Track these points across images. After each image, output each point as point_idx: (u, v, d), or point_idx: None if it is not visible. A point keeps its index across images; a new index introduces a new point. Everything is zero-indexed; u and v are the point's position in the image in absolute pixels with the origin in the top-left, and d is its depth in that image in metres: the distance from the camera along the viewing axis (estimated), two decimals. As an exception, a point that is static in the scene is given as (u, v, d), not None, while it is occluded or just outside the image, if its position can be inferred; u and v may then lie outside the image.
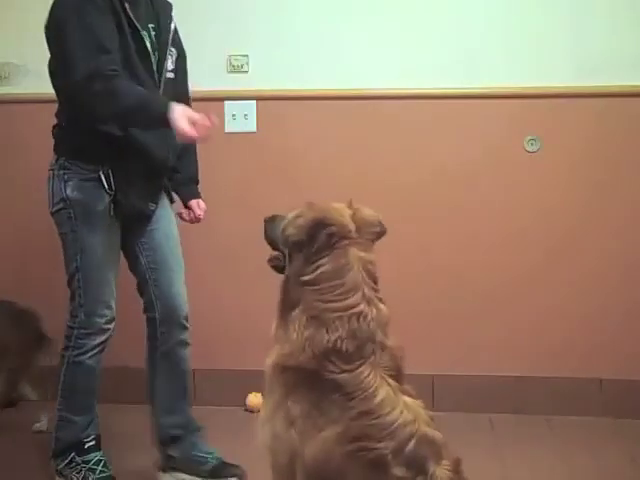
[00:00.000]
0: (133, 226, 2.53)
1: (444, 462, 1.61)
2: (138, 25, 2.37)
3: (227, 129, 3.29)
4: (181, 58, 2.60)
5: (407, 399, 1.68)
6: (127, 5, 2.34)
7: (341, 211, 1.77)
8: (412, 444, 1.60)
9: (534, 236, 3.23)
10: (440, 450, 1.62)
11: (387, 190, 3.24)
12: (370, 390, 1.64)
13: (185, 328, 2.58)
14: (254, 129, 3.30)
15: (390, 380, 1.68)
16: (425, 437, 1.62)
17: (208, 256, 3.28)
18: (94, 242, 2.44)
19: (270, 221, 1.91)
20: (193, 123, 2.17)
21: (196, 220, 2.71)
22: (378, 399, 1.63)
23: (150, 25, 2.44)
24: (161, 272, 2.55)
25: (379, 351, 1.69)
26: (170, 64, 2.51)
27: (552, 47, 3.16)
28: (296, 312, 1.72)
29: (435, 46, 3.21)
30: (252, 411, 3.24)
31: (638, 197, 3.19)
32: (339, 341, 1.66)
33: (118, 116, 2.29)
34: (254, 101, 3.28)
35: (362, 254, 1.74)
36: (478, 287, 3.26)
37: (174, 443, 2.58)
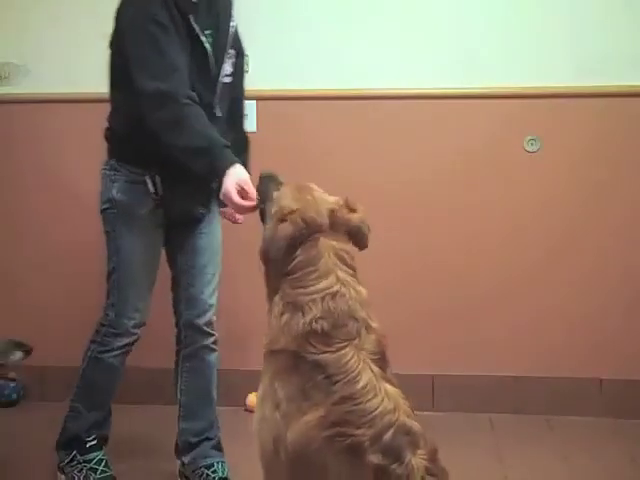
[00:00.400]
0: (181, 228, 2.51)
1: (420, 452, 1.61)
2: (200, 34, 2.31)
3: (227, 129, 3.29)
4: (240, 57, 2.52)
5: (389, 387, 1.68)
6: (191, 17, 2.28)
7: (319, 206, 1.81)
8: (390, 433, 1.60)
9: (534, 236, 3.23)
10: (418, 440, 1.63)
11: (387, 190, 3.24)
12: (353, 374, 1.65)
13: (208, 334, 2.54)
14: (254, 129, 3.29)
15: (373, 366, 1.69)
16: (404, 427, 1.62)
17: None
18: (131, 244, 2.45)
19: (264, 186, 2.00)
20: (241, 192, 2.09)
21: (236, 221, 2.62)
22: (360, 384, 1.64)
23: (207, 31, 2.35)
24: (196, 277, 2.53)
25: (364, 332, 1.71)
26: (228, 67, 2.44)
27: (552, 47, 3.16)
28: (275, 300, 1.77)
29: (435, 46, 3.21)
30: (252, 411, 3.24)
31: (638, 197, 3.19)
32: (314, 322, 1.69)
33: (177, 149, 2.19)
34: (254, 101, 3.27)
35: (333, 243, 1.77)
36: (478, 287, 3.26)
37: (188, 450, 2.55)
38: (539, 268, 3.22)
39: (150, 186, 2.39)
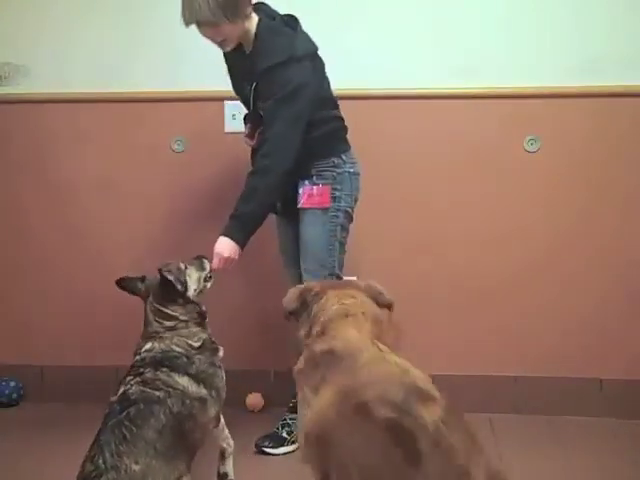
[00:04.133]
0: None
1: (432, 404, 1.64)
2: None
3: (227, 129, 3.29)
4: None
5: (397, 358, 1.78)
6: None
7: None
8: (401, 392, 1.65)
9: (534, 235, 3.23)
10: (430, 396, 1.66)
11: (387, 190, 3.24)
12: (359, 350, 1.81)
13: None
14: (254, 129, 3.30)
15: (380, 345, 1.84)
16: (414, 386, 1.68)
17: (211, 255, 3.27)
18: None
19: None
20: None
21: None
22: (365, 356, 1.79)
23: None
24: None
25: (364, 317, 1.94)
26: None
27: (552, 47, 3.16)
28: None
29: (435, 46, 3.21)
30: (252, 411, 3.25)
31: (638, 197, 3.19)
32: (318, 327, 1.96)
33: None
34: (254, 101, 3.28)
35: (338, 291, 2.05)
36: (478, 287, 3.26)
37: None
38: (539, 268, 3.22)
39: None
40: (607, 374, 3.21)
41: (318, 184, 2.73)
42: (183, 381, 2.16)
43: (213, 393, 2.24)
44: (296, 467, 2.47)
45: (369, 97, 3.25)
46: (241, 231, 2.57)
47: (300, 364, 1.95)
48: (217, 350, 2.36)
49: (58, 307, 3.43)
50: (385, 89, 3.23)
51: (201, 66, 3.24)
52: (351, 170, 2.78)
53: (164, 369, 2.17)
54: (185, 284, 2.38)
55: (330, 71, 3.23)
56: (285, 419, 2.92)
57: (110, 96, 3.32)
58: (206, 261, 2.55)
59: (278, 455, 2.81)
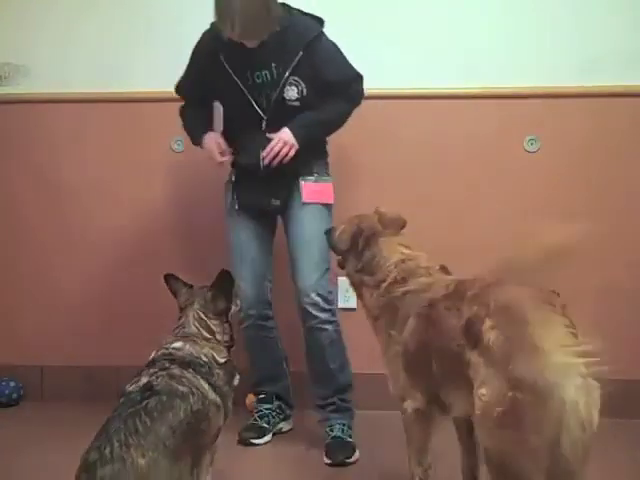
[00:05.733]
0: (265, 221, 2.88)
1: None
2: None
3: (227, 129, 3.29)
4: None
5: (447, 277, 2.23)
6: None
7: (371, 218, 2.40)
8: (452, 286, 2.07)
9: (534, 235, 3.22)
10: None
11: (387, 189, 3.24)
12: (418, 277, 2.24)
13: (312, 316, 2.81)
14: (254, 129, 3.30)
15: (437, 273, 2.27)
16: (461, 282, 2.08)
17: (210, 255, 3.28)
18: (230, 237, 2.89)
19: (327, 233, 2.55)
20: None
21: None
22: (423, 278, 2.21)
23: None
24: (292, 265, 2.83)
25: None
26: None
27: (552, 47, 3.16)
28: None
29: (435, 46, 3.21)
30: (251, 411, 3.24)
31: (638, 197, 3.19)
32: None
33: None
34: (254, 101, 3.28)
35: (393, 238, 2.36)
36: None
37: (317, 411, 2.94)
38: (539, 268, 3.22)
39: (232, 178, 2.89)
40: (607, 374, 3.20)
41: (320, 181, 2.83)
42: (205, 386, 2.17)
43: (224, 410, 2.25)
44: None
45: (369, 97, 3.24)
46: (305, 131, 2.73)
47: (374, 312, 2.25)
48: (234, 375, 2.38)
49: (58, 307, 3.43)
50: (385, 89, 3.22)
51: (201, 66, 3.24)
52: None
53: (190, 370, 2.17)
54: (233, 299, 2.40)
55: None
56: (260, 410, 3.01)
57: (110, 96, 3.32)
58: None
59: (262, 445, 2.91)
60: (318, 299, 2.75)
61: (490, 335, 1.73)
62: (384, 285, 2.22)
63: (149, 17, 3.29)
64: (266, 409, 3.01)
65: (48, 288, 3.43)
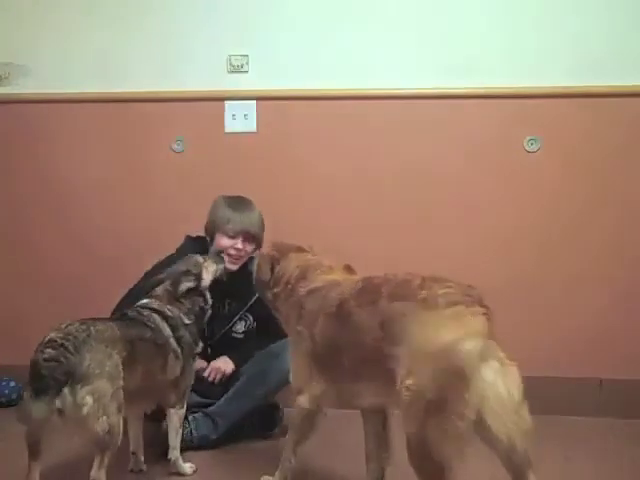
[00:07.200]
0: None
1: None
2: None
3: (227, 129, 3.29)
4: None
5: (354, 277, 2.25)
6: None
7: (279, 244, 2.48)
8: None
9: (534, 235, 3.23)
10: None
11: (387, 189, 3.24)
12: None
13: None
14: (254, 129, 3.30)
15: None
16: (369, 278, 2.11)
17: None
18: None
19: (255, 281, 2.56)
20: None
21: None
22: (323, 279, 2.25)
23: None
24: None
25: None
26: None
27: (552, 47, 3.16)
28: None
29: (435, 46, 3.21)
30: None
31: (638, 197, 3.19)
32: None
33: None
34: (254, 101, 3.28)
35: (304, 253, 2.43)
36: (477, 286, 3.24)
37: None
38: (538, 267, 3.22)
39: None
40: (607, 374, 3.21)
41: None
42: (169, 331, 2.41)
43: (183, 363, 2.43)
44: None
45: (369, 97, 3.25)
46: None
47: (284, 313, 2.33)
48: (198, 343, 2.54)
49: (58, 307, 3.42)
50: (385, 89, 3.23)
51: (201, 66, 3.25)
52: None
53: (159, 316, 2.42)
54: (199, 276, 2.55)
55: (329, 71, 3.25)
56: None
57: (110, 96, 3.32)
58: (224, 256, 2.72)
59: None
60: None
61: (412, 328, 1.86)
62: (289, 287, 2.31)
63: (149, 17, 3.29)
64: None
65: (48, 288, 3.43)
